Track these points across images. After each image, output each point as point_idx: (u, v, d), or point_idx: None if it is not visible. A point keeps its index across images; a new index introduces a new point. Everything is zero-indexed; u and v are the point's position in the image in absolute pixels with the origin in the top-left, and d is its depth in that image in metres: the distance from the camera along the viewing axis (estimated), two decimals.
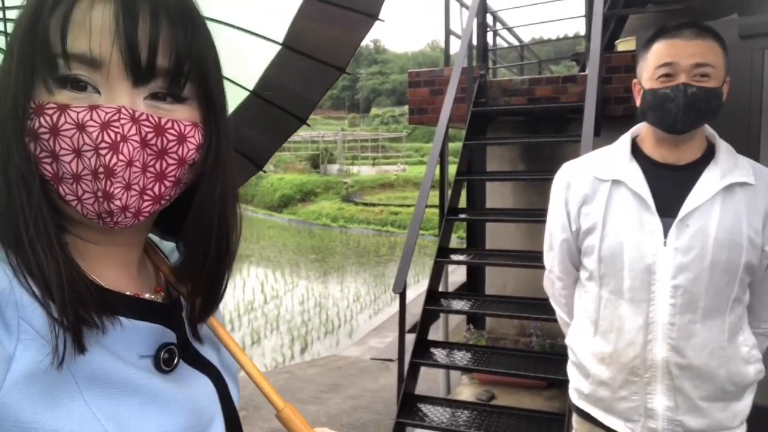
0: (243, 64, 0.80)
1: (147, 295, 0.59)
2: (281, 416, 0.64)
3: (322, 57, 0.81)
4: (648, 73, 1.39)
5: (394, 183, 23.53)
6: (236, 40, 0.78)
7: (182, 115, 0.53)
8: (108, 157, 0.48)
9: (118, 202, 0.49)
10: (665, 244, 1.36)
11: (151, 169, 0.51)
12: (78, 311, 0.47)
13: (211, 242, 0.58)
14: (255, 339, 8.01)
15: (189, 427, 0.55)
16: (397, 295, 3.14)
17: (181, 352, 0.58)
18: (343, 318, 9.02)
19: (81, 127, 0.48)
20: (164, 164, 0.52)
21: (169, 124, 0.52)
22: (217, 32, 0.60)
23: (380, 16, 0.78)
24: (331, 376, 5.90)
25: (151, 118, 0.50)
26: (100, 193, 0.48)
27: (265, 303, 9.87)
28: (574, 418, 1.61)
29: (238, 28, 0.78)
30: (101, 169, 0.48)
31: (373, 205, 20.83)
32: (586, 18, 4.63)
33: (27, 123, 0.48)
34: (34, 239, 0.48)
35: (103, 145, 0.48)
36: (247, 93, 0.82)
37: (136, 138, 0.49)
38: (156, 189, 0.52)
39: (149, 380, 0.52)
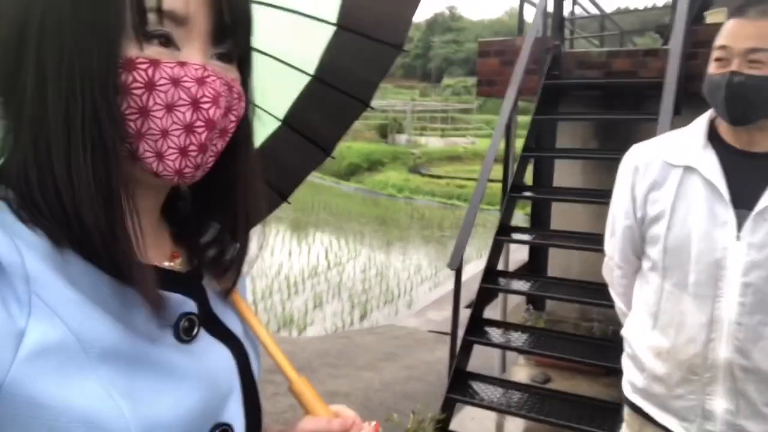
0: (300, 48, 0.80)
1: (166, 263, 0.60)
2: (294, 389, 0.65)
3: (377, 35, 0.80)
4: (712, 55, 1.29)
5: (463, 156, 23.17)
6: (292, 24, 0.77)
7: (233, 75, 0.56)
8: (211, 111, 0.50)
9: (211, 153, 0.52)
10: (738, 238, 1.26)
11: (220, 125, 0.53)
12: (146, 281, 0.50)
13: (245, 207, 0.61)
14: (317, 303, 8.22)
15: (205, 400, 0.54)
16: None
17: (202, 321, 0.58)
18: (403, 288, 9.08)
19: (176, 82, 0.49)
20: (227, 121, 0.54)
21: (233, 83, 0.55)
22: (273, 17, 0.61)
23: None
24: (388, 345, 5.99)
25: (225, 76, 0.53)
26: (193, 147, 0.50)
27: (328, 269, 10.08)
28: (626, 411, 1.55)
29: (291, 10, 0.77)
30: (201, 123, 0.50)
31: (440, 177, 20.65)
32: None
33: (119, 78, 0.48)
34: (114, 207, 0.47)
35: (205, 99, 0.50)
36: (309, 78, 0.82)
37: (225, 93, 0.52)
38: (219, 144, 0.55)
39: (166, 354, 0.52)
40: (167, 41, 0.50)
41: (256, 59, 0.67)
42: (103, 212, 0.47)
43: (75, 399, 0.44)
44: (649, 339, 1.43)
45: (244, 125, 0.59)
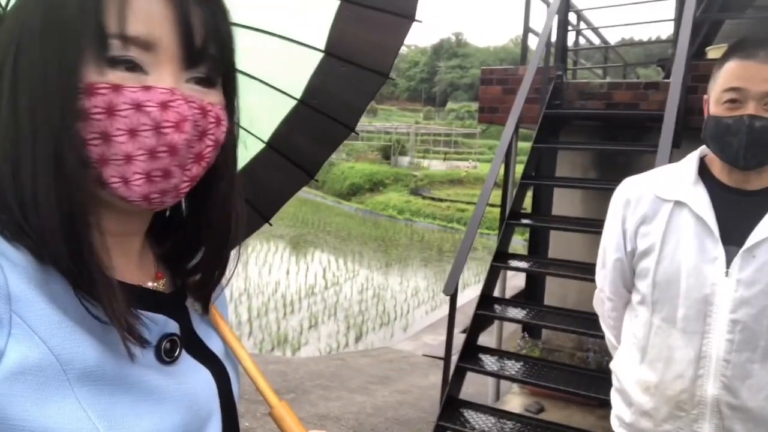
0: (289, 72, 0.81)
1: (150, 284, 0.59)
2: (274, 414, 0.64)
3: (364, 63, 0.81)
4: (715, 96, 1.26)
5: (464, 180, 23.25)
6: (280, 49, 0.78)
7: (214, 99, 0.55)
8: (172, 136, 0.49)
9: (174, 180, 0.51)
10: (727, 275, 1.25)
11: (193, 150, 0.52)
12: (119, 308, 0.49)
13: (226, 230, 0.60)
14: (312, 323, 8.17)
15: (185, 424, 0.54)
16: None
17: (184, 342, 0.58)
18: (399, 311, 9.04)
19: (139, 106, 0.48)
20: (203, 145, 0.53)
21: (209, 107, 0.54)
22: (263, 42, 0.61)
23: (417, 17, 0.77)
24: (382, 368, 5.94)
25: (197, 101, 0.52)
26: (158, 172, 0.49)
27: (325, 288, 10.05)
28: None
29: (280, 36, 0.78)
30: (163, 148, 0.49)
31: (441, 200, 20.68)
32: (675, 22, 4.36)
33: (78, 103, 0.47)
34: (80, 224, 0.47)
35: (166, 123, 0.49)
36: (295, 102, 0.83)
37: (191, 119, 0.50)
38: (194, 170, 0.53)
39: (147, 375, 0.52)
40: (134, 66, 0.49)
41: (244, 82, 0.68)
42: (66, 236, 0.47)
43: (52, 420, 0.44)
44: (637, 373, 1.41)
45: (227, 149, 0.58)
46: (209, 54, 0.53)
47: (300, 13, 0.78)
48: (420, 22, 0.77)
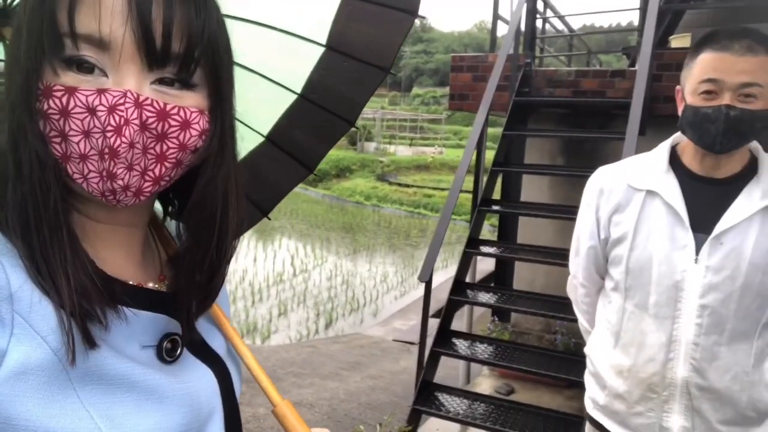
0: (289, 66, 0.80)
1: (151, 284, 0.59)
2: (277, 412, 0.64)
3: (365, 58, 0.80)
4: (691, 86, 1.31)
5: (430, 165, 23.39)
6: (280, 43, 0.77)
7: (190, 102, 0.52)
8: (113, 140, 0.48)
9: (120, 182, 0.50)
10: (696, 261, 1.31)
11: (152, 151, 0.51)
12: (83, 305, 0.47)
13: (212, 231, 0.58)
14: (282, 311, 8.15)
15: (186, 422, 0.54)
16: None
17: (185, 342, 0.58)
18: (369, 297, 9.08)
19: (91, 110, 0.47)
20: (165, 147, 0.52)
21: (175, 110, 0.51)
22: (261, 35, 0.59)
23: (420, 12, 0.77)
24: (353, 354, 5.98)
25: (155, 103, 0.50)
26: (105, 173, 0.49)
27: (294, 276, 10.02)
28: (587, 428, 1.58)
29: (282, 30, 0.77)
30: (106, 150, 0.48)
31: (408, 186, 20.78)
32: (640, 11, 4.45)
33: (37, 104, 0.48)
34: (42, 221, 0.47)
35: (109, 128, 0.48)
36: (296, 96, 0.82)
37: (137, 122, 0.49)
38: (156, 170, 0.52)
39: (148, 375, 0.52)
40: (91, 67, 0.48)
41: (245, 76, 0.66)
42: (40, 234, 0.48)
43: (54, 420, 0.44)
44: (611, 357, 1.46)
45: (210, 150, 0.56)
46: (177, 53, 0.50)
47: (302, 8, 0.77)
48: (424, 18, 0.77)
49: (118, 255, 0.56)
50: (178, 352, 0.57)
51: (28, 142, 0.48)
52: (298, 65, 0.79)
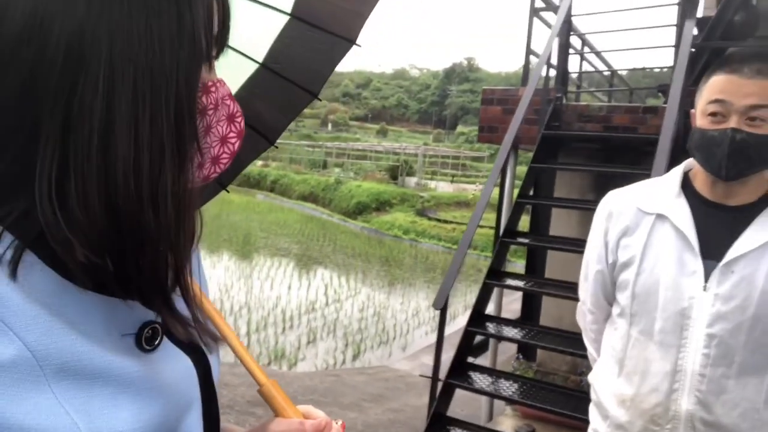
0: (251, 35, 0.76)
1: None
2: (263, 392, 0.63)
3: (332, 28, 0.79)
4: (700, 108, 1.29)
5: (471, 202, 23.23)
6: (243, 10, 0.75)
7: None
8: (242, 123, 0.56)
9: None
10: (705, 289, 1.25)
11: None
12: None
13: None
14: (311, 339, 8.13)
15: (164, 413, 0.53)
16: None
17: (165, 330, 0.56)
18: (399, 331, 8.97)
19: (223, 99, 0.54)
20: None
21: None
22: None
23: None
24: (377, 387, 5.89)
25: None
26: (225, 156, 0.55)
27: (326, 305, 10.01)
28: None
29: None
30: (234, 134, 0.55)
31: (447, 222, 20.65)
32: (674, 48, 4.40)
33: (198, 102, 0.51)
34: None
35: (238, 113, 0.55)
36: (257, 65, 0.80)
37: None
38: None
39: (126, 366, 0.50)
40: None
41: None
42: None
43: (29, 417, 0.43)
44: (614, 386, 1.41)
45: None
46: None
47: None
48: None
49: None
50: (158, 340, 0.55)
51: (193, 141, 0.51)
52: (261, 34, 0.77)
